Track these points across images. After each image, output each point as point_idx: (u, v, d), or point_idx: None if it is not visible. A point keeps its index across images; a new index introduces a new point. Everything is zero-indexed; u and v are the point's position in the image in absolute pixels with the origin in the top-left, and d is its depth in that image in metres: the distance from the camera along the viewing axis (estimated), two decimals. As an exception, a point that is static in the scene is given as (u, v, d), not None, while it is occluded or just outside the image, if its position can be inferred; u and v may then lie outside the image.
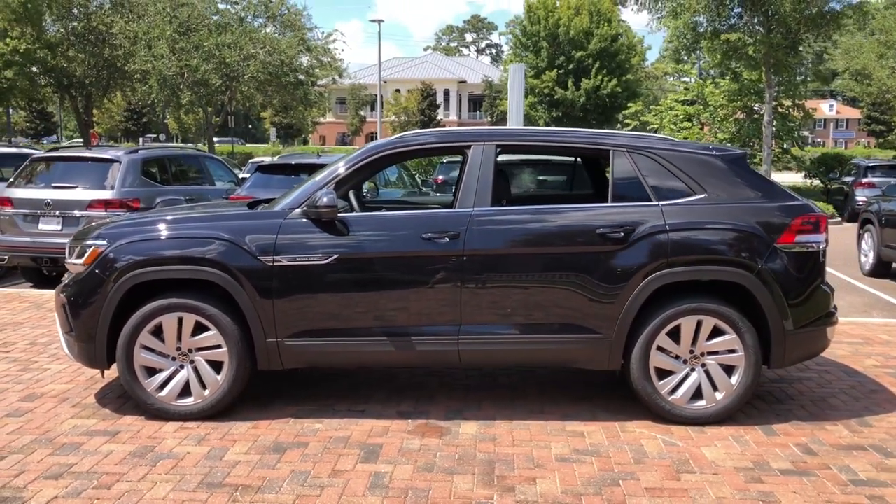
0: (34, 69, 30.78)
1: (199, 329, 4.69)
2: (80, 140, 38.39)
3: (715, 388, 4.70)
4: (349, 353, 4.73)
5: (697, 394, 4.71)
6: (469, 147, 4.89)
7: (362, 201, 5.89)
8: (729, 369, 4.71)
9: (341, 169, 4.88)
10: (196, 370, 4.72)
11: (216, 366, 4.72)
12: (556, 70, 41.18)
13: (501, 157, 5.07)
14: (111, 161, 9.52)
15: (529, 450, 4.33)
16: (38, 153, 10.73)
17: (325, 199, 4.56)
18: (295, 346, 4.68)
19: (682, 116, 27.18)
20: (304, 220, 4.69)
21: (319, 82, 35.18)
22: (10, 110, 42.40)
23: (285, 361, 4.74)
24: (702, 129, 26.98)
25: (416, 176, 21.98)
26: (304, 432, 4.55)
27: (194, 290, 4.70)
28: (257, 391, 5.18)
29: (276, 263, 4.60)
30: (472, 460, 4.18)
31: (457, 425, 4.68)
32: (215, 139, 36.21)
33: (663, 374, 4.71)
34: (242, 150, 47.09)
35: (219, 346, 4.68)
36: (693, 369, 4.71)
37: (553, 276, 4.64)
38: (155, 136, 68.08)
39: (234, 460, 4.15)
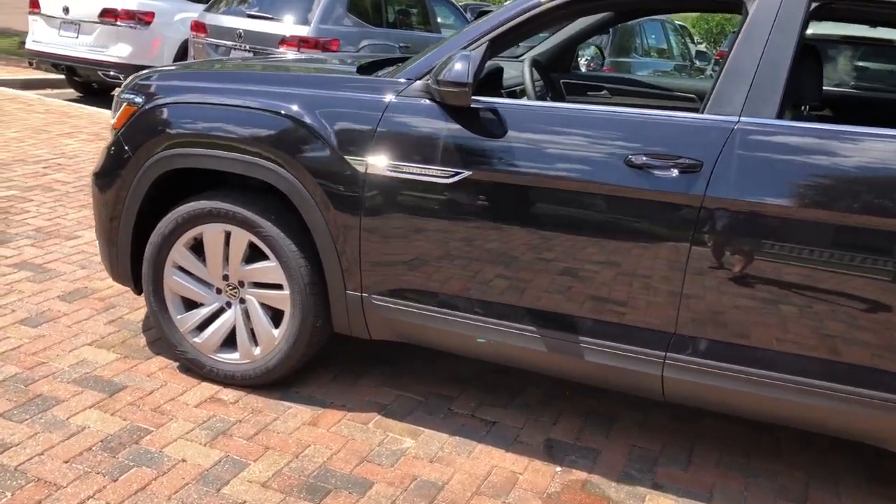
0: None
1: (255, 256, 2.99)
2: None
3: None
4: (474, 339, 2.78)
5: None
6: (753, -4, 2.53)
7: (555, 80, 3.76)
8: None
9: (508, 17, 2.76)
10: (247, 315, 3.06)
11: (275, 316, 3.02)
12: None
13: (812, 29, 2.65)
14: (316, -9, 8.03)
15: None
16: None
17: (457, 67, 2.50)
18: (389, 308, 2.83)
19: None
20: (426, 101, 2.69)
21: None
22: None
23: (373, 329, 2.91)
24: None
25: (699, 47, 18.39)
26: (380, 454, 2.75)
27: (252, 196, 2.97)
28: (348, 355, 3.45)
29: (370, 170, 2.70)
30: None
31: (639, 502, 2.63)
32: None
33: None
34: None
35: (279, 287, 2.95)
36: None
37: (886, 267, 2.31)
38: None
39: (235, 501, 2.46)
